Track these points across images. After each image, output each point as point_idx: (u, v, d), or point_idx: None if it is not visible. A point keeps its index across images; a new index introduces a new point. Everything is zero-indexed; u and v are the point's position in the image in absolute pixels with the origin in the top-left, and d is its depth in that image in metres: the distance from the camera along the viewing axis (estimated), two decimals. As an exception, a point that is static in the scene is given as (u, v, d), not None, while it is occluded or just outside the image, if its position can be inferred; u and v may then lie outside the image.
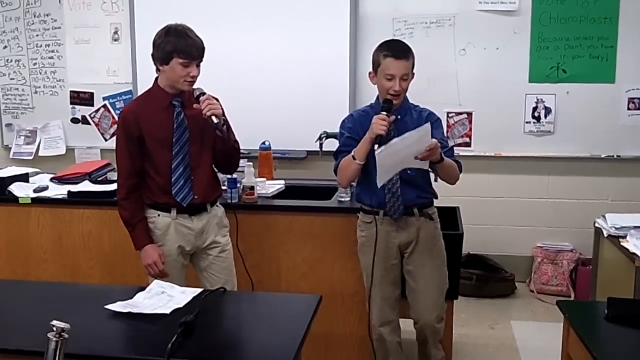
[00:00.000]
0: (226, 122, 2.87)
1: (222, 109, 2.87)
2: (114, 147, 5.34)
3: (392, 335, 3.02)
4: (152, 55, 2.84)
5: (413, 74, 2.85)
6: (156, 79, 2.91)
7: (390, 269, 2.95)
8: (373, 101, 2.97)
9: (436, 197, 3.01)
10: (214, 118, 2.76)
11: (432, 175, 2.96)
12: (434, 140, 2.66)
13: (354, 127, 2.91)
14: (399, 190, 2.86)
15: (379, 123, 2.70)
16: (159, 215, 2.92)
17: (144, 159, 2.88)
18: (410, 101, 2.95)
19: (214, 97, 2.86)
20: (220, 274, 3.01)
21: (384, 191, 2.86)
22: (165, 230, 2.92)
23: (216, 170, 3.06)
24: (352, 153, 2.81)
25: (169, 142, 2.85)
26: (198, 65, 2.81)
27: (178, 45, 2.74)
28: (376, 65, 2.84)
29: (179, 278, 2.96)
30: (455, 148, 4.62)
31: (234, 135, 2.99)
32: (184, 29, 2.80)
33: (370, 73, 2.90)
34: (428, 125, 2.67)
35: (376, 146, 2.69)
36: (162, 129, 2.85)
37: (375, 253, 2.92)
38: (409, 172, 2.83)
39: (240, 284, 3.15)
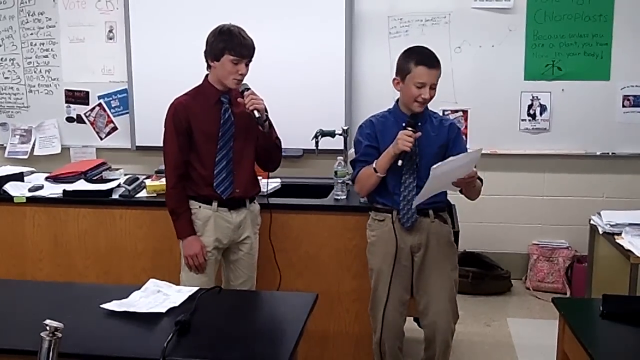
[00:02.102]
0: (268, 118, 2.96)
1: (265, 106, 2.97)
2: (110, 146, 5.40)
3: (395, 340, 2.94)
4: (205, 52, 2.94)
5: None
6: (206, 75, 3.00)
7: (402, 271, 2.88)
8: (391, 106, 2.94)
9: (449, 205, 2.99)
10: (255, 112, 2.86)
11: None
12: (474, 170, 2.67)
13: (373, 134, 2.87)
14: (414, 198, 2.80)
15: (405, 139, 2.68)
16: (200, 207, 2.99)
17: (190, 150, 2.96)
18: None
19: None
20: (246, 269, 3.10)
21: (400, 198, 2.83)
22: (205, 221, 2.99)
23: (258, 167, 3.17)
24: (374, 165, 2.79)
25: (215, 136, 2.95)
26: (247, 65, 2.90)
27: (230, 43, 2.85)
28: (404, 72, 2.79)
29: (213, 272, 3.04)
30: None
31: (276, 133, 3.08)
32: (238, 29, 2.91)
33: (394, 79, 2.85)
34: (480, 151, 2.68)
35: (400, 162, 2.71)
36: (210, 123, 2.95)
37: (386, 252, 2.87)
38: (425, 180, 2.79)
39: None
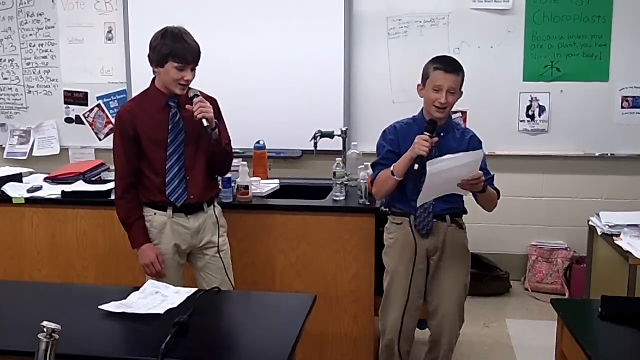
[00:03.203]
0: (218, 124, 2.88)
1: (220, 110, 2.93)
2: (109, 147, 5.38)
3: (404, 344, 2.94)
4: (149, 56, 2.85)
5: (462, 92, 2.84)
6: (153, 79, 2.92)
7: (417, 275, 2.88)
8: (416, 114, 2.94)
9: (466, 212, 2.98)
10: (204, 121, 2.78)
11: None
12: (480, 172, 2.67)
13: (396, 140, 2.88)
14: (432, 206, 2.83)
15: (422, 144, 2.69)
16: (155, 214, 2.93)
17: (140, 158, 2.89)
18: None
19: (212, 98, 2.90)
20: (217, 274, 3.01)
21: (417, 205, 2.82)
22: (161, 229, 2.93)
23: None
24: (392, 169, 2.80)
25: (164, 142, 2.86)
26: (193, 70, 2.82)
27: (174, 50, 2.75)
28: (425, 77, 2.83)
29: (176, 277, 2.97)
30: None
31: (229, 138, 3.01)
32: (181, 33, 2.80)
33: (418, 86, 2.88)
34: (482, 152, 2.70)
35: (417, 167, 2.70)
36: (158, 129, 2.86)
37: (402, 255, 2.88)
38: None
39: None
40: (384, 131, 2.97)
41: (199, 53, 2.82)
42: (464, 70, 2.84)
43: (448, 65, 2.81)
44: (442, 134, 2.82)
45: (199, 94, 2.85)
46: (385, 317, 2.95)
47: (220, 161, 3.01)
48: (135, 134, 2.85)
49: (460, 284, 2.93)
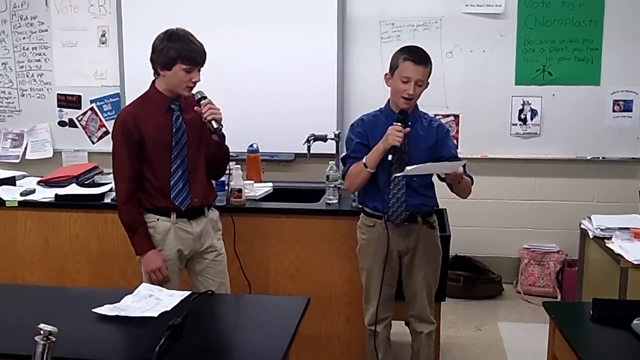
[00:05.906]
0: (222, 126, 2.88)
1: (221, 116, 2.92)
2: (102, 150, 5.38)
3: (383, 330, 3.04)
4: (152, 59, 2.81)
5: (428, 83, 2.86)
6: (153, 82, 2.88)
7: (390, 270, 2.95)
8: (383, 106, 2.97)
9: (437, 205, 3.03)
10: (214, 123, 2.78)
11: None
12: (460, 171, 2.75)
13: (364, 132, 2.91)
14: (404, 196, 2.86)
15: (395, 134, 2.72)
16: (158, 219, 2.89)
17: (142, 162, 2.85)
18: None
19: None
20: (215, 277, 3.00)
21: (389, 196, 2.86)
22: (165, 234, 2.89)
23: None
24: (364, 160, 2.82)
25: (169, 145, 2.83)
26: (199, 71, 2.80)
27: (182, 52, 2.72)
28: (394, 67, 2.85)
29: (176, 283, 2.95)
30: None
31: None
32: (186, 34, 2.78)
33: (386, 75, 2.91)
34: (461, 163, 2.77)
35: (390, 157, 2.73)
36: (162, 132, 2.83)
37: (376, 255, 2.94)
38: (414, 179, 2.85)
39: (236, 286, 3.21)
40: (352, 125, 3.01)
41: (205, 53, 2.80)
42: (431, 61, 2.86)
43: (417, 56, 2.82)
44: (409, 123, 2.84)
45: (205, 95, 2.84)
46: (367, 310, 3.05)
47: (220, 164, 3.02)
48: (140, 137, 2.80)
49: (432, 277, 3.02)
